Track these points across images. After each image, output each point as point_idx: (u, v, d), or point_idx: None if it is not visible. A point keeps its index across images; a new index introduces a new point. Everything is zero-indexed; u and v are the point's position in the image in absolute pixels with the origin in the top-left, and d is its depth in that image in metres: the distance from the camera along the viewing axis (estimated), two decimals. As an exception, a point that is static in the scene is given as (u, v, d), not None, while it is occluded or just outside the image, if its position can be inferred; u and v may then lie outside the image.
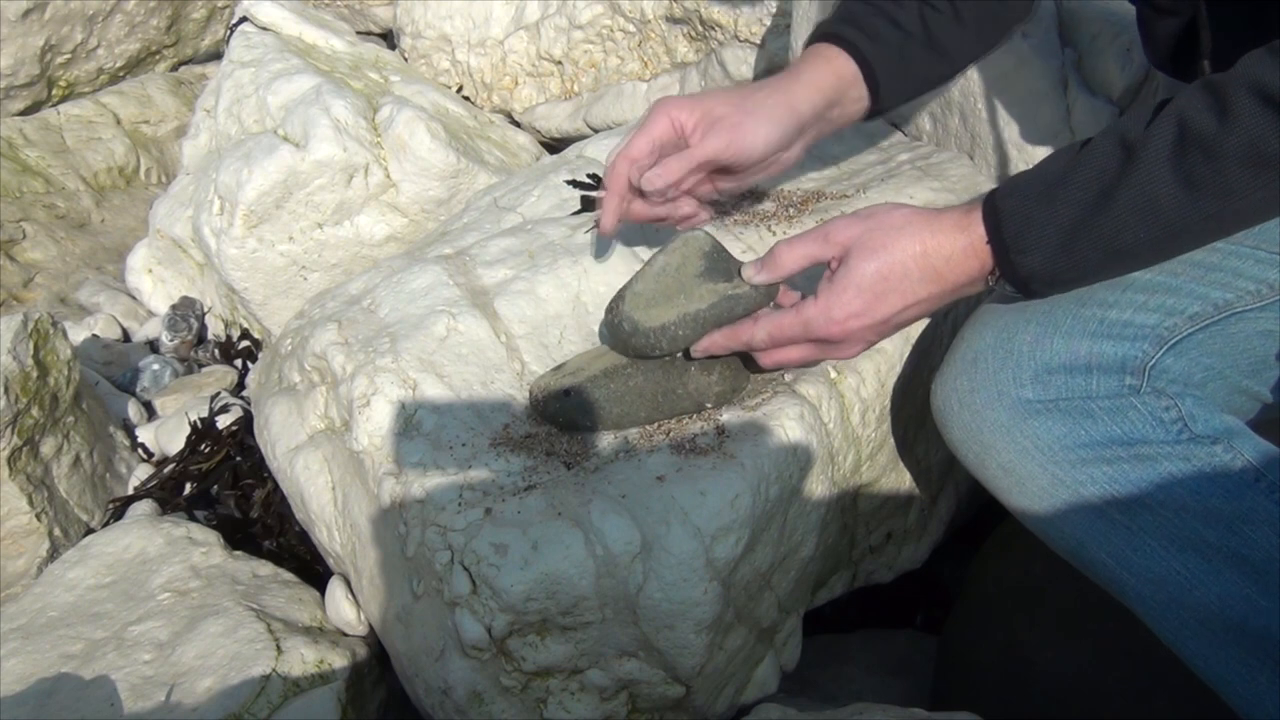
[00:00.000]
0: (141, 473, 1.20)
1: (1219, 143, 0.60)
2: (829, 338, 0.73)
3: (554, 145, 1.66)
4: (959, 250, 0.70)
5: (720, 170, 0.83)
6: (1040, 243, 0.67)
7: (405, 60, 1.81)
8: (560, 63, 1.71)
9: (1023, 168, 1.08)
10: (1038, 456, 0.68)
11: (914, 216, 0.72)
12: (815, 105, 0.82)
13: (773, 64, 1.46)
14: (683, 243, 0.80)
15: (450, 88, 1.79)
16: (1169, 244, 0.66)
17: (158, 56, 2.08)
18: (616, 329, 0.78)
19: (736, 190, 0.91)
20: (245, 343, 1.46)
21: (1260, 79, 0.59)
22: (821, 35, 0.86)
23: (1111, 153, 0.65)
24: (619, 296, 0.79)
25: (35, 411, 1.04)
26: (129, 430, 1.28)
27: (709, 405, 0.80)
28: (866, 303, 0.72)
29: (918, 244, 0.71)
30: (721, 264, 0.79)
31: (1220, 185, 0.61)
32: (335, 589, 0.92)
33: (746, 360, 0.82)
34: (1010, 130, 1.08)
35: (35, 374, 1.03)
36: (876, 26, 0.84)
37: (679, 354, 0.79)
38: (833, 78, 0.83)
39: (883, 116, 0.87)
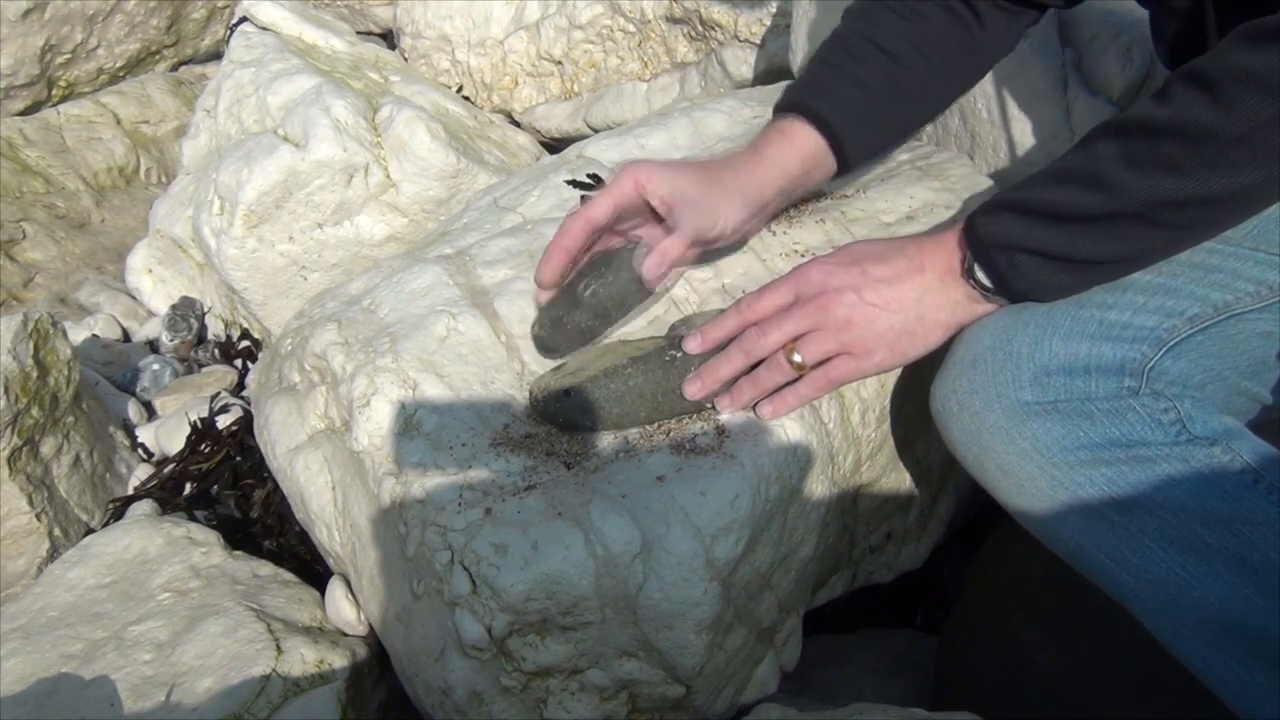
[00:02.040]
0: (141, 473, 1.20)
1: (1155, 122, 0.64)
2: (808, 275, 0.76)
3: (554, 145, 1.66)
4: (938, 241, 0.75)
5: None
6: (999, 213, 0.71)
7: (405, 60, 1.81)
8: (560, 63, 1.71)
9: (1022, 168, 1.08)
10: (1036, 458, 0.68)
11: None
12: (780, 186, 0.85)
13: (772, 64, 1.46)
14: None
15: (450, 88, 1.79)
16: (1117, 224, 0.67)
17: (158, 56, 2.08)
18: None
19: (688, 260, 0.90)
20: (245, 343, 1.46)
21: (1191, 66, 0.63)
22: (786, 105, 0.87)
23: (1071, 149, 0.70)
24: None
25: (35, 411, 1.04)
26: (129, 430, 1.28)
27: (709, 405, 0.80)
28: (855, 252, 0.77)
29: (905, 239, 0.78)
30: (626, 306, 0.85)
31: (1158, 159, 0.64)
32: (335, 589, 0.92)
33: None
34: (1010, 130, 1.08)
35: (35, 374, 1.03)
36: (840, 92, 0.85)
37: (679, 351, 0.79)
38: (797, 156, 0.85)
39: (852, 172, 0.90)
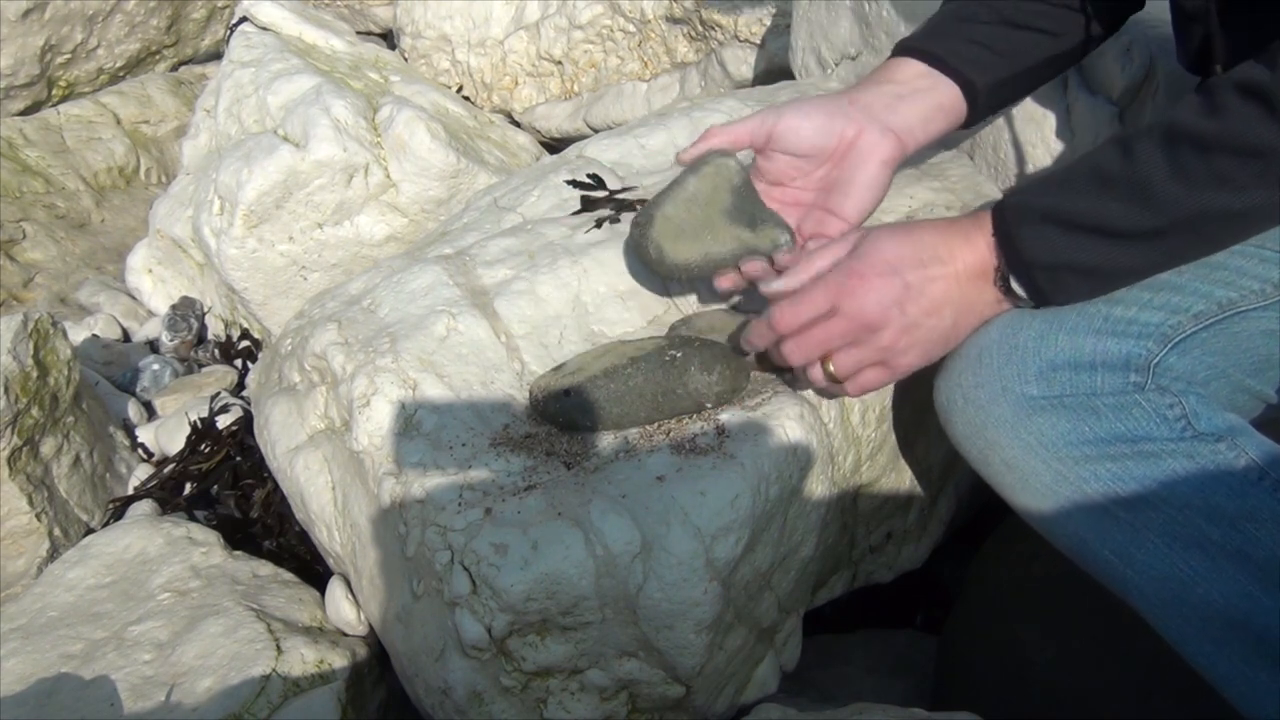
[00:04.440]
0: (141, 473, 1.20)
1: (1207, 135, 0.62)
2: (848, 287, 0.72)
3: (554, 145, 1.66)
4: (966, 238, 0.72)
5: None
6: (1040, 226, 0.68)
7: (405, 60, 1.81)
8: (560, 63, 1.71)
9: (1022, 168, 1.08)
10: (1041, 453, 0.68)
11: (928, 221, 0.76)
12: (905, 108, 0.83)
13: (772, 64, 1.46)
14: (714, 170, 0.82)
15: (450, 88, 1.79)
16: (1166, 239, 0.66)
17: (158, 56, 2.08)
18: (643, 250, 0.82)
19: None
20: (245, 343, 1.46)
21: (1246, 77, 0.62)
22: (903, 49, 0.85)
23: (1110, 151, 0.67)
24: (649, 217, 0.82)
25: (35, 411, 1.04)
26: (129, 430, 1.28)
27: (709, 405, 0.80)
28: (891, 256, 0.73)
29: (932, 231, 0.74)
30: (748, 204, 0.82)
31: (1211, 174, 0.62)
32: (335, 589, 0.92)
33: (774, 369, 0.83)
34: (1010, 130, 1.08)
35: (35, 374, 1.03)
36: (986, 62, 0.84)
37: (679, 351, 0.79)
38: (943, 120, 0.84)
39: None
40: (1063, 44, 0.87)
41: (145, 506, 1.13)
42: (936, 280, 0.72)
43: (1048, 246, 0.68)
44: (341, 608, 0.91)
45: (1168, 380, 0.68)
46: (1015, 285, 0.71)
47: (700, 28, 1.53)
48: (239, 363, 1.45)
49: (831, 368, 0.74)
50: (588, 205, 1.02)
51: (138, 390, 1.39)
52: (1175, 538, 0.65)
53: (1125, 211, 0.66)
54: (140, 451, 1.25)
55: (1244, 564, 0.64)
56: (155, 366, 1.41)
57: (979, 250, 0.72)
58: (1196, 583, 0.65)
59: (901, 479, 0.97)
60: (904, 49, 0.86)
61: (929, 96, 0.83)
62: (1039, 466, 0.68)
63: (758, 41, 1.48)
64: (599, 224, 0.98)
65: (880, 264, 0.72)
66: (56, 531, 1.06)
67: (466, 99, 1.76)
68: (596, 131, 1.56)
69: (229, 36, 1.54)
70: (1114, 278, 0.69)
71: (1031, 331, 0.70)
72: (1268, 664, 0.63)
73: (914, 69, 0.84)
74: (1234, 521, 0.64)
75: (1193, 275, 0.71)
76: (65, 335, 1.11)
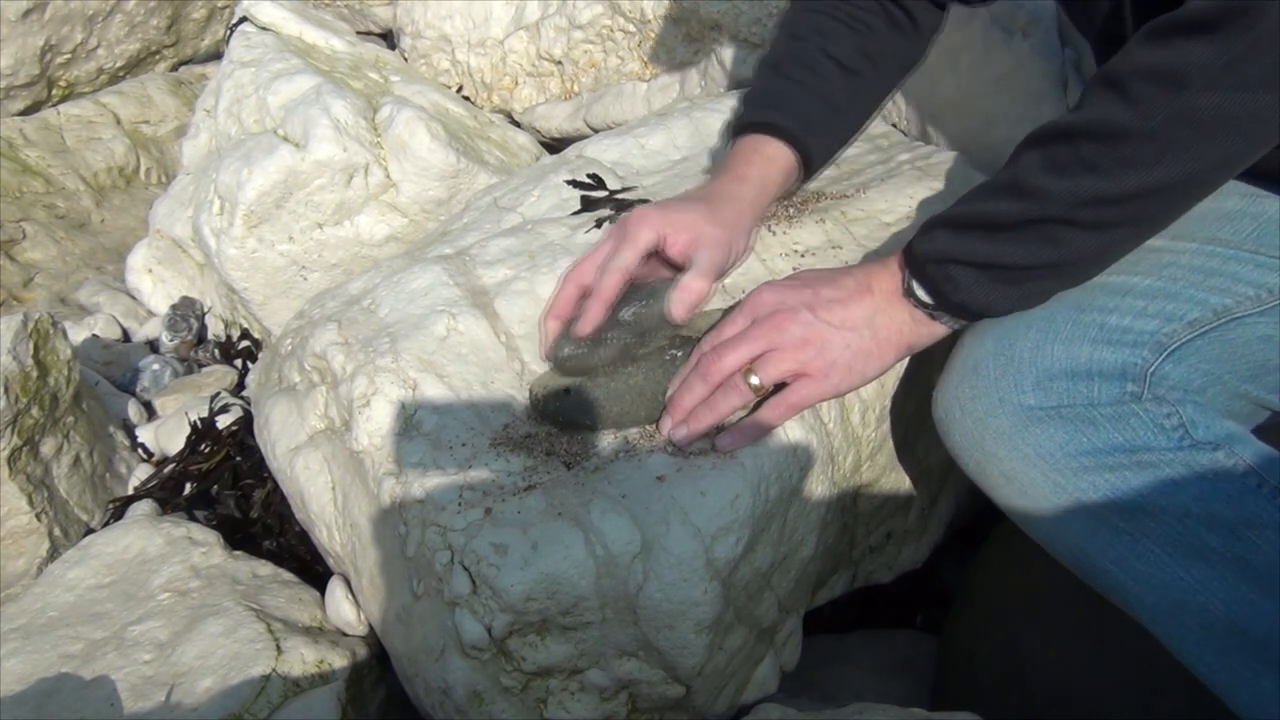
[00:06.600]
0: (141, 473, 1.20)
1: (1072, 126, 0.66)
2: (761, 300, 0.76)
3: (554, 145, 1.65)
4: (884, 266, 0.76)
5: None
6: (933, 231, 0.72)
7: (405, 60, 1.81)
8: (560, 63, 1.71)
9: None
10: (1040, 464, 0.68)
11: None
12: (766, 204, 0.89)
13: (773, 64, 1.46)
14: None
15: (450, 88, 1.79)
16: (1044, 227, 0.67)
17: (158, 56, 2.08)
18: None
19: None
20: (245, 343, 1.46)
21: (1105, 69, 0.65)
22: (757, 123, 0.89)
23: (1004, 165, 0.71)
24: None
25: (35, 411, 1.04)
26: (129, 430, 1.28)
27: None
28: (804, 276, 0.78)
29: (853, 266, 0.81)
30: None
31: (1077, 161, 0.65)
32: (335, 589, 0.92)
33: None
34: (1010, 130, 1.08)
35: (35, 374, 1.03)
36: (807, 108, 0.89)
37: (679, 351, 0.79)
38: (778, 174, 0.88)
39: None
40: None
41: (145, 506, 1.13)
42: (851, 299, 0.75)
43: (937, 245, 0.71)
44: (341, 608, 0.91)
45: (1164, 389, 0.68)
46: (918, 290, 0.73)
47: (700, 28, 1.53)
48: (239, 363, 1.45)
49: (754, 379, 0.74)
50: (588, 205, 1.02)
51: (138, 390, 1.39)
52: (1175, 547, 0.65)
53: (1003, 206, 0.68)
54: (140, 451, 1.25)
55: (1245, 571, 0.64)
56: (155, 366, 1.41)
57: (892, 269, 0.75)
58: (1197, 591, 0.65)
59: (902, 479, 0.97)
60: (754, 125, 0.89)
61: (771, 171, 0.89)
62: (1037, 477, 0.69)
63: (757, 42, 1.48)
64: (599, 224, 0.98)
65: (793, 279, 0.78)
66: (56, 531, 1.06)
67: (466, 99, 1.76)
68: (596, 131, 1.56)
69: (229, 36, 1.54)
70: (1005, 272, 0.70)
71: (1027, 342, 0.71)
72: (1271, 671, 0.63)
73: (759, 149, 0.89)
74: (1233, 529, 0.64)
75: (1187, 283, 0.72)
76: (65, 335, 1.11)
